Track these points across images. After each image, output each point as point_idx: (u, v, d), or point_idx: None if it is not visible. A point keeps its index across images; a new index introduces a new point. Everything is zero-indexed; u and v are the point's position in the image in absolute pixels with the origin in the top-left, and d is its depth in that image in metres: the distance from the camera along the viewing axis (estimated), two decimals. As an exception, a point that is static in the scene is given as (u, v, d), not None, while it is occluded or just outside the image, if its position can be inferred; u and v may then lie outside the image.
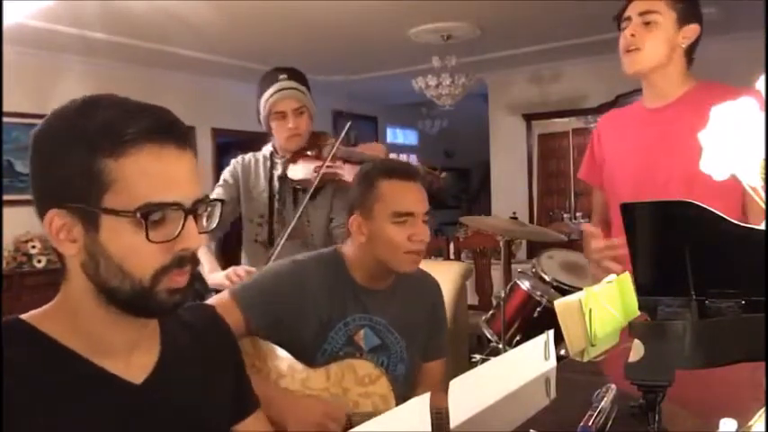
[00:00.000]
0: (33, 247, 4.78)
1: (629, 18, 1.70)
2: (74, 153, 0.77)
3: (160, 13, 4.16)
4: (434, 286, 1.66)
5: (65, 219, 0.78)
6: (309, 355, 1.46)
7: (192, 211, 0.80)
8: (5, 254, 4.71)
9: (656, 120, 1.73)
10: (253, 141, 7.31)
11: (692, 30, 1.68)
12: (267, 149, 2.23)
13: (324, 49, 5.28)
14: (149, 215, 0.76)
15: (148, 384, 0.86)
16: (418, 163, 2.02)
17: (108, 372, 0.82)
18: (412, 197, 1.48)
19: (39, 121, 0.83)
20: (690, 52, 1.71)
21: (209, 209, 0.85)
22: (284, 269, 1.52)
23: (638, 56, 1.68)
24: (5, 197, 4.54)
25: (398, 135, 9.26)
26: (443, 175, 2.04)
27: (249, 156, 2.25)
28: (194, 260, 0.83)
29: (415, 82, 5.41)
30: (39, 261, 4.78)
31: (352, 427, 1.36)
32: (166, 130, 0.80)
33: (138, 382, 0.85)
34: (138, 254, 0.78)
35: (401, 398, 1.47)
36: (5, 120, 4.57)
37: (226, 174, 2.23)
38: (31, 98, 4.93)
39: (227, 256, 2.29)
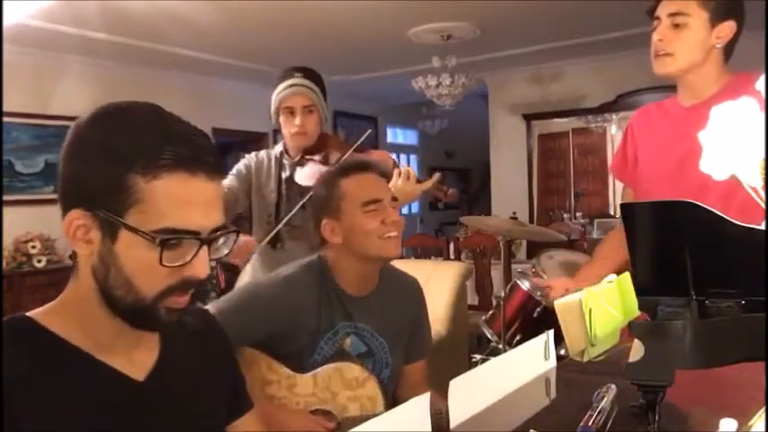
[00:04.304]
0: (33, 247, 4.78)
1: (658, 18, 1.62)
2: (107, 163, 0.78)
3: (160, 13, 4.16)
4: (416, 288, 1.67)
5: (85, 220, 0.80)
6: (299, 366, 1.46)
7: (208, 240, 0.82)
8: (5, 254, 4.71)
9: (693, 118, 1.62)
10: (253, 141, 7.29)
11: (727, 28, 1.59)
12: (278, 149, 2.22)
13: (324, 49, 5.28)
14: (167, 241, 0.78)
15: (150, 381, 0.87)
16: (435, 179, 1.97)
17: (111, 368, 0.84)
18: (374, 185, 1.53)
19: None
20: (728, 49, 1.63)
21: (224, 238, 0.87)
22: (275, 289, 1.50)
23: (668, 59, 1.61)
24: (5, 197, 4.54)
25: (398, 135, 9.26)
26: (450, 191, 1.99)
27: (263, 153, 2.25)
28: (198, 284, 0.85)
29: (415, 82, 5.41)
30: (39, 261, 4.78)
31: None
32: (200, 158, 0.81)
33: (140, 378, 0.87)
34: (148, 272, 0.80)
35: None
36: (5, 120, 4.57)
37: (240, 165, 2.22)
38: (31, 98, 4.93)
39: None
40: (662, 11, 1.62)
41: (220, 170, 0.85)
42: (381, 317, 1.55)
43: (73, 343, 0.83)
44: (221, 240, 0.86)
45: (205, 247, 0.82)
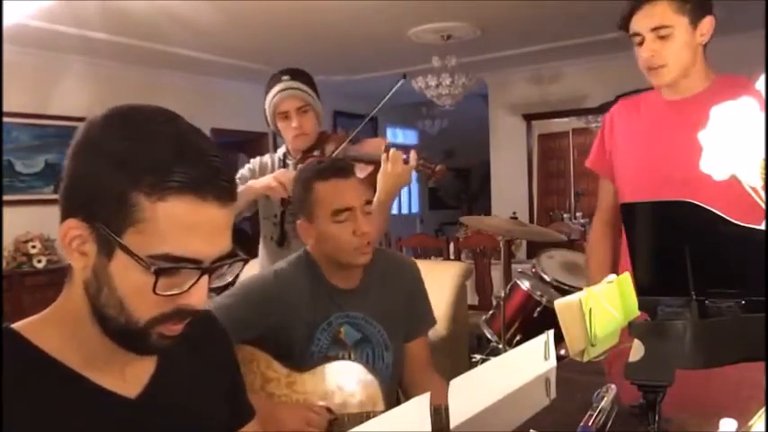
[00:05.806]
0: (33, 247, 4.78)
1: (638, 34, 1.65)
2: (112, 174, 0.72)
3: (160, 13, 4.16)
4: (412, 267, 1.69)
5: (82, 231, 0.74)
6: (298, 359, 1.48)
7: (210, 269, 0.76)
8: (5, 254, 4.71)
9: (677, 112, 1.68)
10: (253, 141, 7.28)
11: (708, 24, 1.64)
12: (281, 151, 2.25)
13: (324, 49, 5.28)
14: (163, 270, 0.72)
15: (143, 398, 0.83)
16: (416, 156, 1.89)
17: (101, 387, 0.79)
18: (347, 193, 1.52)
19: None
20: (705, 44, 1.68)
21: (228, 266, 0.80)
22: (267, 284, 1.54)
23: (663, 71, 1.65)
24: (5, 197, 4.54)
25: (398, 135, 9.25)
26: (439, 167, 1.92)
27: (267, 156, 2.27)
28: (194, 314, 0.79)
29: (415, 82, 5.40)
30: (39, 261, 4.78)
31: (336, 427, 1.37)
32: (212, 182, 0.74)
33: (132, 396, 0.82)
34: (141, 296, 0.74)
35: (390, 384, 1.50)
36: (5, 120, 4.57)
37: (244, 170, 2.24)
38: (31, 98, 4.93)
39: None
40: (641, 26, 1.65)
41: (233, 194, 0.78)
42: (374, 302, 1.57)
43: (58, 358, 0.77)
44: (224, 269, 0.79)
45: (205, 277, 0.76)
